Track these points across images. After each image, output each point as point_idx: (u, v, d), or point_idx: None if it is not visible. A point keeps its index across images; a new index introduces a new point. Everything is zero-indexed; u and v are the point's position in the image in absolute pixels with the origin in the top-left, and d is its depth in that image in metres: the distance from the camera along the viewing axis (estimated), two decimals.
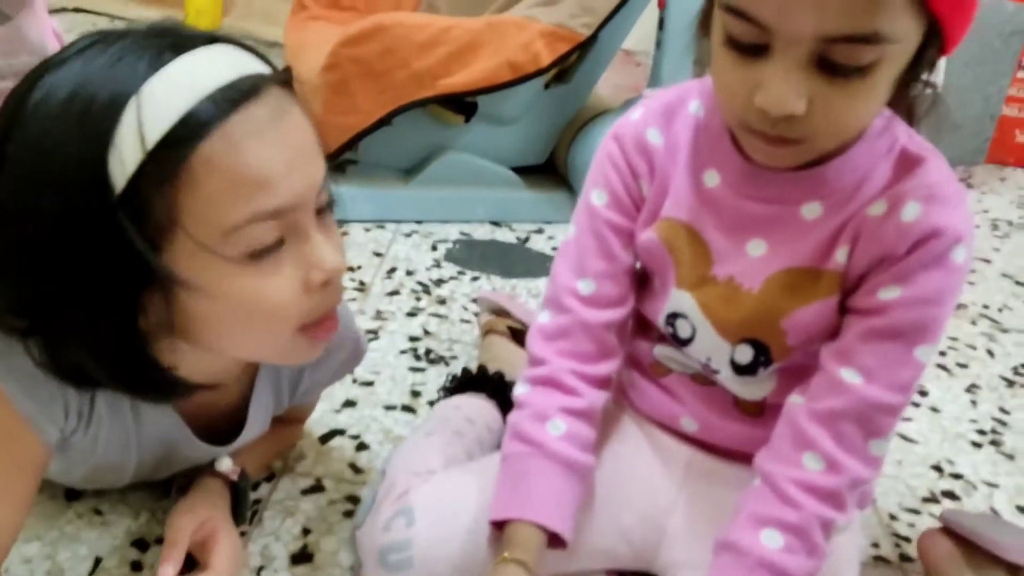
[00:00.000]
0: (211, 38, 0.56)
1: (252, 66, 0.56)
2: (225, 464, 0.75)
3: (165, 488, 0.77)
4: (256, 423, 0.73)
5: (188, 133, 0.51)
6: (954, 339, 1.28)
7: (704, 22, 0.59)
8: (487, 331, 1.05)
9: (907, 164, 0.61)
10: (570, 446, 0.67)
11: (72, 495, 0.78)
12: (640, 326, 0.75)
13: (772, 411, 0.67)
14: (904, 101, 0.59)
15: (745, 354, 0.67)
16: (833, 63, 0.52)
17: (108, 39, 0.54)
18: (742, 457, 0.70)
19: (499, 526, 0.65)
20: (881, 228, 0.60)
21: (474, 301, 1.19)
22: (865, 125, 0.59)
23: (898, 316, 0.60)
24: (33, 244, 0.52)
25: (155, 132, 0.51)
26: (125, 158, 0.51)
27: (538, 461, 0.66)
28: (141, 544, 0.75)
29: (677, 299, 0.68)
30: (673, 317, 0.69)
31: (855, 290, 0.62)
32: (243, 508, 0.76)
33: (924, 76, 0.57)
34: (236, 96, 0.53)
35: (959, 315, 1.35)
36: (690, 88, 0.68)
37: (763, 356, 0.66)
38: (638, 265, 0.71)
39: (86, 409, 0.62)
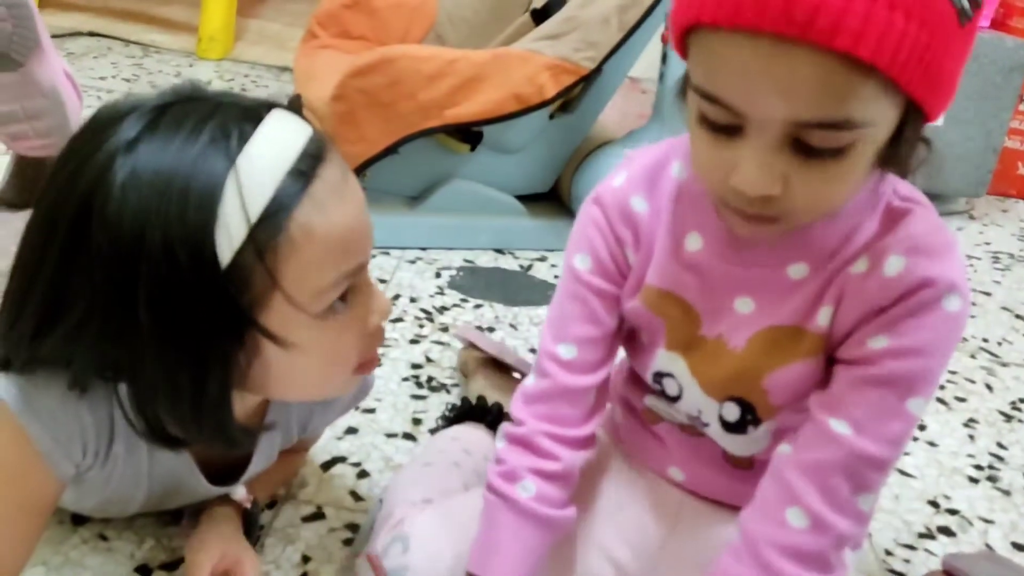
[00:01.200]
0: (267, 104, 0.59)
1: (307, 126, 0.59)
2: (239, 493, 0.76)
3: (171, 515, 0.78)
4: (261, 461, 0.74)
5: (285, 203, 0.55)
6: (953, 372, 1.29)
7: (683, 90, 0.58)
8: (464, 361, 1.07)
9: (892, 218, 0.59)
10: (541, 504, 0.67)
11: (78, 520, 0.79)
12: (633, 375, 0.74)
13: (761, 467, 0.65)
14: (891, 165, 0.57)
15: (732, 412, 0.66)
16: (808, 145, 0.50)
17: (170, 113, 0.56)
18: (731, 507, 0.70)
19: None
20: (864, 285, 0.59)
21: (444, 330, 1.21)
22: (846, 200, 0.57)
23: (888, 366, 0.58)
24: (125, 315, 0.55)
25: (256, 206, 0.54)
26: (232, 233, 0.54)
27: (507, 515, 0.66)
28: (144, 570, 0.76)
29: (665, 359, 0.67)
30: (660, 376, 0.69)
31: (842, 344, 0.61)
32: (253, 535, 0.77)
33: (913, 141, 0.55)
34: (314, 161, 0.56)
35: (959, 348, 1.35)
36: (672, 148, 0.66)
37: (750, 415, 0.65)
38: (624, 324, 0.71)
39: (103, 449, 0.64)
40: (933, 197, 2.06)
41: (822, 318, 0.60)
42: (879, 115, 0.50)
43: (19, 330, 0.58)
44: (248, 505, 0.77)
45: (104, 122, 0.57)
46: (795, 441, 0.61)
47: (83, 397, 0.60)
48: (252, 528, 0.77)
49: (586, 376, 0.68)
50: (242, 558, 0.72)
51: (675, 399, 0.69)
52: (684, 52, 0.54)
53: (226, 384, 0.59)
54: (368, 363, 0.66)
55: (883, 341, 0.58)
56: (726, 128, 0.52)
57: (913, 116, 0.52)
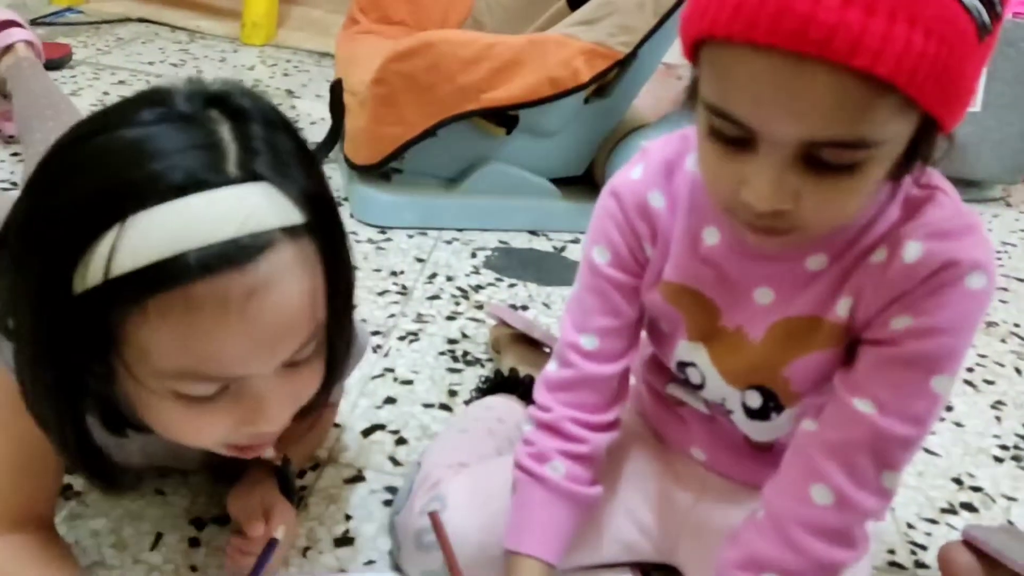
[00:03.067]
0: (254, 173, 0.51)
1: (270, 217, 0.51)
2: (268, 453, 0.80)
3: (219, 473, 0.83)
4: None
5: (151, 282, 0.49)
6: (983, 356, 1.30)
7: (689, 98, 0.56)
8: (496, 337, 1.10)
9: (912, 206, 0.59)
10: (570, 483, 0.69)
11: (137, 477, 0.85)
12: (655, 360, 0.76)
13: (782, 449, 0.67)
14: (906, 173, 0.55)
15: (754, 399, 0.67)
16: (821, 161, 0.49)
17: (177, 121, 0.52)
18: (753, 485, 0.72)
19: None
20: (884, 275, 0.58)
21: (479, 308, 1.25)
22: (858, 213, 0.56)
23: (911, 345, 0.58)
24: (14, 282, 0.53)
25: (120, 268, 0.49)
26: (88, 275, 0.50)
27: (539, 491, 0.69)
28: (198, 523, 0.81)
29: (688, 349, 0.68)
30: (683, 365, 0.70)
31: (867, 328, 0.60)
32: (289, 492, 0.81)
33: (928, 152, 0.53)
34: (218, 262, 0.49)
35: (989, 332, 1.36)
36: (687, 140, 0.65)
37: (772, 402, 0.66)
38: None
39: None
40: (969, 184, 2.05)
41: (841, 309, 0.60)
42: (894, 132, 0.49)
43: None
44: (279, 463, 0.79)
45: (133, 100, 0.54)
46: (819, 419, 0.62)
47: None
48: (286, 484, 0.80)
49: (609, 365, 0.69)
50: (275, 504, 0.75)
51: (699, 387, 0.70)
52: (695, 61, 0.53)
53: (77, 401, 0.56)
54: (244, 449, 0.61)
55: (906, 321, 0.58)
56: (736, 141, 0.51)
57: (927, 130, 0.51)
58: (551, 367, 0.72)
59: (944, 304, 0.57)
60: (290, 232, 0.52)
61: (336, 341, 0.60)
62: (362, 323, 0.81)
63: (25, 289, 0.52)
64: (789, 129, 0.48)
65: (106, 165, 0.50)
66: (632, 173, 0.67)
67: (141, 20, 2.31)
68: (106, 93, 1.83)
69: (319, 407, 0.66)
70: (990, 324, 1.38)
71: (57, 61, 1.88)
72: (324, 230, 0.55)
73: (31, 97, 1.38)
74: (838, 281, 0.60)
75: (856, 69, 0.45)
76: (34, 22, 2.15)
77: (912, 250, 0.57)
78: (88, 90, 1.84)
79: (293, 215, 0.52)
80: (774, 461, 0.65)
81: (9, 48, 1.54)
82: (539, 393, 0.72)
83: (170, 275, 0.49)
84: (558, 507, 0.70)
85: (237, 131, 0.52)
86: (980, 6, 0.47)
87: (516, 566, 0.69)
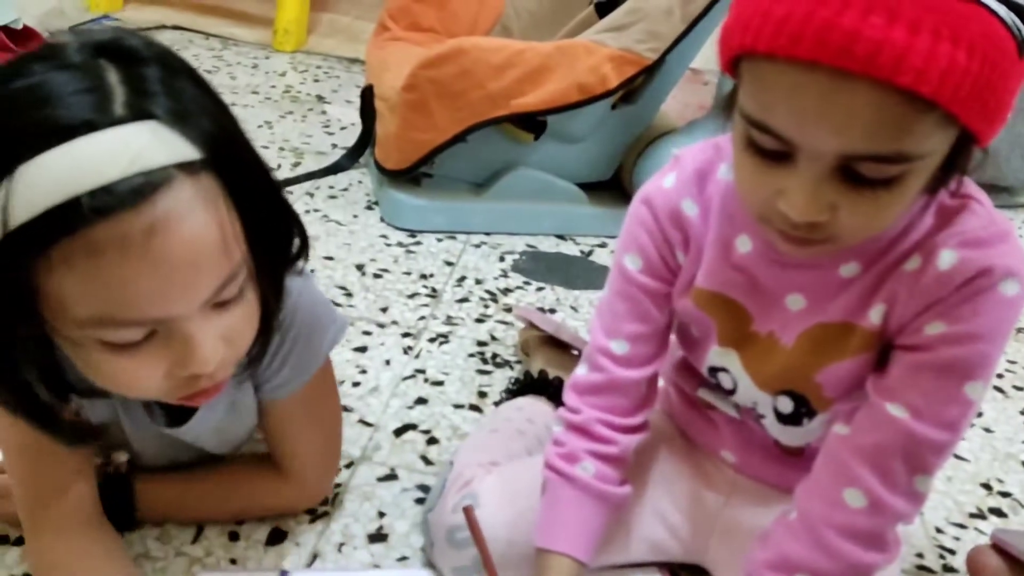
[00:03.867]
0: (142, 112, 0.50)
1: (162, 154, 0.50)
2: (121, 456, 0.78)
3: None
4: (215, 409, 0.72)
5: (48, 230, 0.48)
6: (1012, 362, 1.29)
7: (727, 107, 0.56)
8: (525, 339, 1.12)
9: (945, 215, 0.59)
10: (600, 482, 0.70)
11: None
12: (685, 364, 0.77)
13: (812, 454, 0.67)
14: (941, 187, 0.56)
15: (786, 405, 0.68)
16: (858, 174, 0.50)
17: (63, 69, 0.50)
18: (783, 488, 0.73)
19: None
20: (919, 282, 0.58)
21: (507, 310, 1.26)
22: (893, 223, 0.57)
23: (945, 352, 0.58)
24: None
25: (16, 218, 0.48)
26: None
27: (569, 491, 0.71)
28: (244, 523, 0.83)
29: (719, 355, 0.69)
30: (714, 370, 0.71)
31: (900, 334, 0.61)
32: (120, 508, 0.77)
33: (964, 166, 0.54)
34: (111, 203, 0.48)
35: (1019, 339, 1.35)
36: (719, 149, 0.66)
37: (804, 407, 0.67)
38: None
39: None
40: (999, 190, 2.04)
41: (874, 315, 0.61)
42: (932, 147, 0.50)
43: None
44: (121, 470, 0.77)
45: (26, 55, 0.53)
46: (852, 424, 0.62)
47: None
48: (118, 497, 0.77)
49: (638, 370, 0.70)
50: None
51: (730, 392, 0.71)
52: (734, 74, 0.53)
53: (13, 362, 0.55)
54: (188, 398, 0.60)
55: (940, 327, 0.58)
56: (775, 154, 0.52)
57: (965, 144, 0.51)
58: (580, 371, 0.73)
59: (978, 311, 0.57)
60: (187, 168, 0.51)
61: (264, 282, 0.59)
62: (329, 317, 0.75)
63: None
64: (829, 143, 0.49)
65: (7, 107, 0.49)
66: (664, 181, 0.67)
67: (176, 27, 2.36)
68: None
69: (263, 351, 0.65)
70: (1020, 330, 1.37)
71: None
72: (228, 166, 0.53)
73: None
74: (871, 288, 0.61)
75: (900, 87, 0.46)
76: (72, 30, 2.20)
77: (946, 258, 0.58)
78: None
79: (188, 151, 0.51)
80: (805, 465, 0.66)
81: None
82: (568, 396, 0.73)
83: (65, 221, 0.48)
84: (588, 506, 0.71)
85: (124, 73, 0.51)
86: (1020, 23, 0.47)
87: (547, 563, 0.70)
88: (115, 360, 0.54)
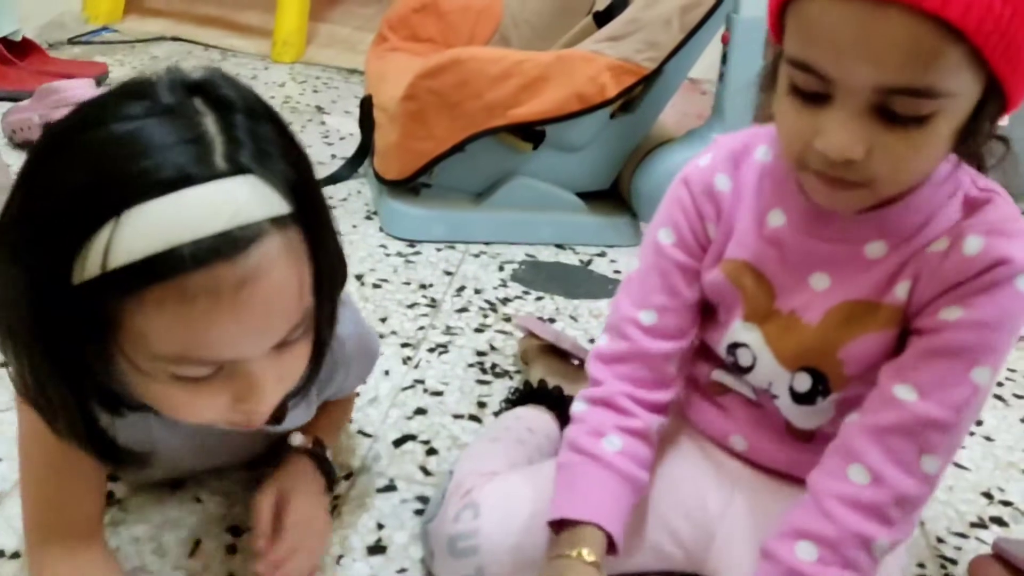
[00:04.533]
0: (240, 166, 0.52)
1: (259, 209, 0.53)
2: (297, 439, 0.81)
3: (259, 479, 0.85)
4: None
5: (146, 274, 0.51)
6: (1012, 370, 1.29)
7: (768, 77, 0.62)
8: (524, 348, 1.12)
9: (972, 206, 0.63)
10: (626, 459, 0.71)
11: (176, 485, 0.87)
12: (702, 350, 0.78)
13: (822, 438, 0.70)
14: (969, 150, 0.60)
15: (804, 382, 0.69)
16: (892, 112, 0.54)
17: (161, 115, 0.53)
18: (789, 478, 0.74)
19: (554, 527, 0.71)
20: (943, 264, 0.62)
21: (507, 320, 1.26)
22: (926, 173, 0.61)
23: (956, 336, 0.61)
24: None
25: (117, 260, 0.51)
26: (87, 267, 0.51)
27: (594, 469, 0.71)
28: (235, 530, 0.83)
29: (741, 331, 0.71)
30: (735, 346, 0.72)
31: (918, 315, 0.64)
32: (329, 473, 0.82)
33: (990, 129, 0.58)
34: (210, 255, 0.51)
35: (1019, 347, 1.35)
36: (757, 134, 0.71)
37: (821, 385, 0.69)
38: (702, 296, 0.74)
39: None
40: (1015, 196, 2.05)
41: (900, 291, 0.64)
42: (962, 86, 0.53)
43: None
44: (310, 446, 0.81)
45: (117, 93, 0.55)
46: (861, 408, 0.65)
47: None
48: (326, 467, 0.82)
49: (666, 342, 0.73)
50: (290, 498, 0.76)
51: (748, 369, 0.72)
52: (779, 32, 0.59)
53: (79, 385, 0.58)
54: (239, 426, 0.63)
55: (955, 312, 0.61)
56: (814, 96, 0.56)
57: (993, 96, 0.55)
58: (603, 341, 0.75)
59: (993, 301, 0.60)
60: (277, 222, 0.54)
61: (322, 323, 0.62)
62: (372, 331, 0.84)
63: (23, 281, 0.54)
64: (865, 74, 0.53)
65: (99, 161, 0.52)
66: (701, 161, 0.72)
67: (175, 39, 2.36)
68: None
69: (311, 384, 0.68)
70: (1022, 338, 1.37)
71: (93, 80, 1.93)
72: (309, 218, 0.56)
73: None
74: (897, 268, 0.64)
75: (928, 12, 0.50)
76: (71, 41, 2.21)
77: (972, 243, 0.61)
78: None
79: (279, 206, 0.54)
80: (814, 450, 0.68)
81: None
82: (593, 367, 0.74)
83: (165, 268, 0.51)
84: (614, 484, 0.70)
85: (221, 122, 0.54)
86: None
87: (578, 534, 0.67)
88: (180, 391, 0.57)
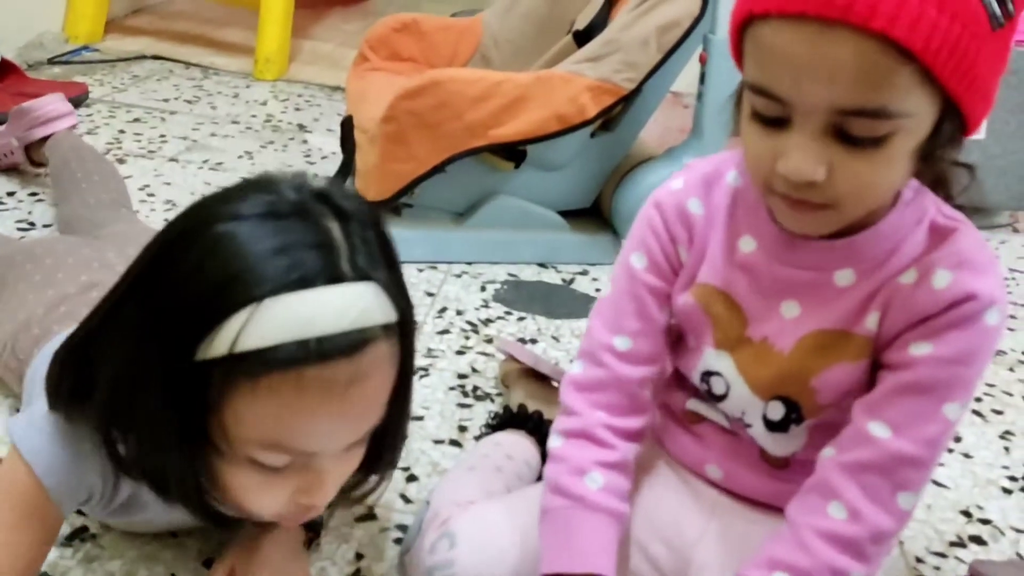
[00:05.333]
0: (364, 275, 0.57)
1: (377, 314, 0.57)
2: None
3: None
4: None
5: (271, 360, 0.55)
6: (991, 385, 1.30)
7: (737, 103, 0.63)
8: (505, 372, 1.12)
9: (938, 235, 0.63)
10: (608, 496, 0.71)
11: None
12: (676, 378, 0.79)
13: (797, 466, 0.70)
14: (932, 172, 0.61)
15: (777, 411, 0.69)
16: (849, 134, 0.55)
17: (293, 216, 0.57)
18: (766, 506, 0.74)
19: None
20: (913, 296, 0.62)
21: (488, 341, 1.26)
22: (888, 193, 0.61)
23: (928, 373, 0.61)
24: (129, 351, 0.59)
25: (247, 344, 0.55)
26: (214, 346, 0.55)
27: (581, 513, 0.70)
28: (210, 564, 0.82)
29: (713, 359, 0.71)
30: (708, 375, 0.72)
31: (887, 348, 0.64)
32: (311, 526, 0.82)
33: (952, 150, 0.59)
34: (333, 351, 0.55)
35: (997, 361, 1.36)
36: (727, 159, 0.72)
37: (794, 413, 0.69)
38: (672, 320, 0.75)
39: (108, 493, 0.70)
40: (976, 211, 2.06)
41: (870, 322, 0.64)
42: (917, 106, 0.54)
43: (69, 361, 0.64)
44: None
45: (247, 186, 0.60)
46: (837, 444, 0.65)
47: (94, 445, 0.65)
48: (312, 526, 0.82)
49: (640, 367, 0.73)
50: (258, 546, 0.76)
51: (721, 398, 0.72)
52: (740, 59, 0.59)
53: (187, 460, 0.61)
54: (289, 519, 0.66)
55: (926, 348, 0.61)
56: (775, 121, 0.57)
57: (951, 115, 0.55)
58: (578, 368, 0.74)
59: (963, 337, 0.61)
60: (387, 329, 0.58)
61: (389, 428, 0.66)
62: None
63: (149, 353, 0.58)
64: (819, 96, 0.53)
65: (239, 253, 0.56)
66: (673, 184, 0.73)
67: (156, 57, 2.35)
68: (122, 131, 1.87)
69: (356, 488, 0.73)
70: (998, 353, 1.38)
71: (74, 100, 1.92)
72: (407, 327, 0.61)
73: (63, 160, 1.38)
74: (867, 297, 0.64)
75: (874, 32, 0.51)
76: (51, 61, 2.20)
77: (941, 277, 0.61)
78: (104, 128, 1.87)
79: (391, 313, 0.59)
80: (789, 478, 0.69)
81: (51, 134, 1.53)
82: (567, 395, 0.74)
83: (290, 357, 0.55)
84: (603, 527, 0.70)
85: (344, 230, 0.58)
86: None
87: None
88: (253, 478, 0.60)
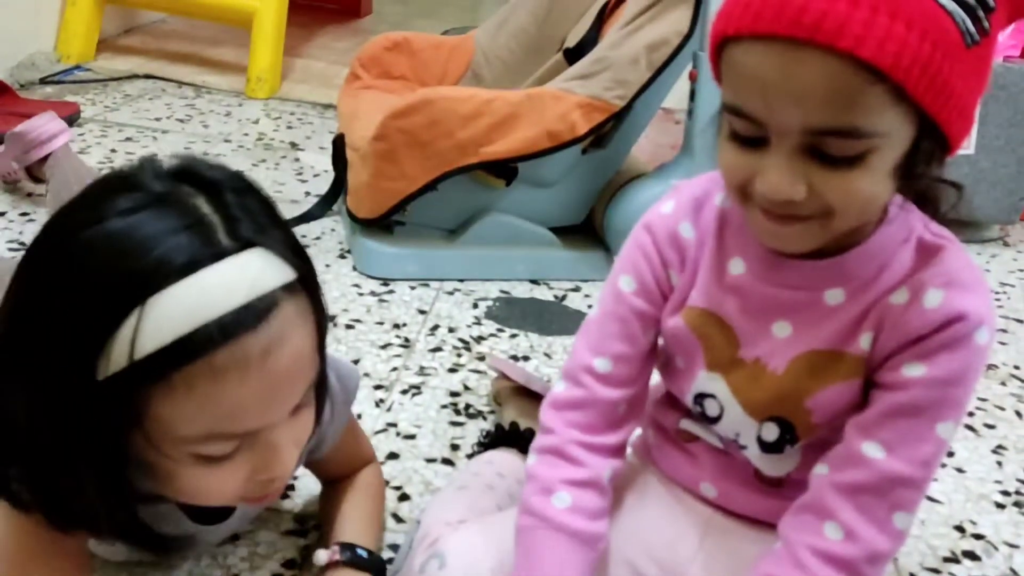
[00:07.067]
0: (248, 242, 0.55)
1: (271, 278, 0.55)
2: (321, 558, 0.78)
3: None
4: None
5: (176, 356, 0.52)
6: (983, 400, 1.30)
7: (721, 123, 0.63)
8: (497, 390, 1.12)
9: (926, 253, 0.64)
10: (576, 516, 0.70)
11: None
12: (669, 398, 0.78)
13: (792, 484, 0.70)
14: (915, 190, 0.61)
15: (771, 432, 0.69)
16: (825, 153, 0.55)
17: (157, 204, 0.54)
18: (759, 524, 0.74)
19: None
20: (904, 316, 0.62)
21: (481, 359, 1.26)
22: (871, 209, 0.61)
23: (920, 394, 0.62)
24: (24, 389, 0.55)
25: (144, 349, 0.52)
26: (112, 361, 0.53)
27: (544, 533, 0.70)
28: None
29: (706, 381, 0.71)
30: (701, 397, 0.72)
31: (879, 368, 0.64)
32: (373, 568, 0.79)
33: (934, 167, 0.59)
34: (236, 328, 0.53)
35: (989, 376, 1.37)
36: (715, 180, 0.71)
37: (788, 434, 0.69)
38: (660, 342, 0.75)
39: None
40: (966, 225, 2.08)
41: (864, 342, 0.64)
42: (890, 125, 0.54)
43: None
44: (337, 557, 0.77)
45: (104, 188, 0.57)
46: (831, 463, 0.65)
47: None
48: (362, 565, 0.78)
49: (620, 389, 0.72)
50: None
51: (715, 420, 0.72)
52: (719, 76, 0.59)
53: (108, 478, 0.57)
54: (255, 500, 0.64)
55: (918, 370, 0.62)
56: (752, 140, 0.57)
57: (929, 133, 0.55)
58: (559, 388, 0.75)
59: (955, 357, 0.61)
60: (288, 288, 0.57)
61: (321, 379, 0.65)
62: (350, 363, 0.85)
63: (45, 383, 0.55)
64: (791, 116, 0.54)
65: (109, 258, 0.53)
66: (663, 208, 0.72)
67: (148, 76, 2.36)
68: (114, 150, 1.87)
69: (310, 442, 0.69)
70: (990, 367, 1.38)
71: (66, 120, 1.91)
72: (310, 281, 0.60)
73: (63, 181, 1.39)
74: (859, 317, 0.64)
75: (842, 51, 0.51)
76: (43, 81, 2.20)
77: (932, 297, 0.61)
78: (96, 147, 1.87)
79: (287, 273, 0.57)
80: (784, 496, 0.69)
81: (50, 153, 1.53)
82: (545, 414, 0.74)
83: (195, 347, 0.53)
84: (564, 549, 0.70)
85: (214, 203, 0.56)
86: (963, 14, 0.52)
87: None
88: (202, 472, 0.58)
